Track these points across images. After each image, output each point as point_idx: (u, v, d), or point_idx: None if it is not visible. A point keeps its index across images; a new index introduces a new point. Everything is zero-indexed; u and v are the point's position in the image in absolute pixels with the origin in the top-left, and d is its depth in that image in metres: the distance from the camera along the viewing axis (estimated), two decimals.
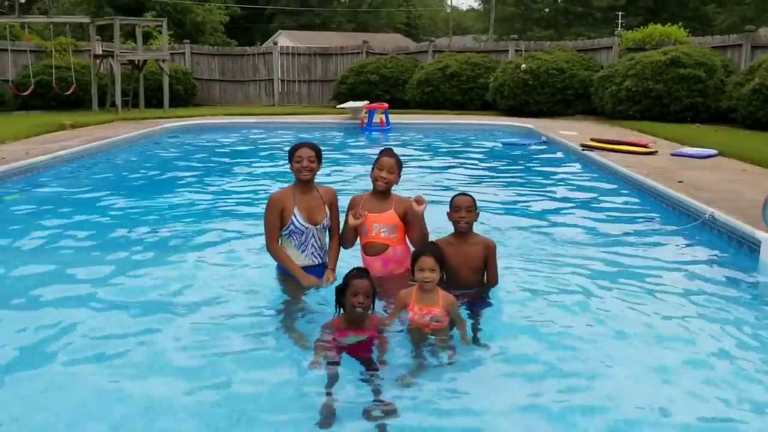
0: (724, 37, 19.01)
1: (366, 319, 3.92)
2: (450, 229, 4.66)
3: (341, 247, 4.92)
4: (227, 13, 44.43)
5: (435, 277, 4.05)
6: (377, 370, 3.69)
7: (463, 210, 4.53)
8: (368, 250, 4.77)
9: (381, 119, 17.01)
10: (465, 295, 4.53)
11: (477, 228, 4.72)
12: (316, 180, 4.91)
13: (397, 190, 4.92)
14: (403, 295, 4.15)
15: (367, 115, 17.10)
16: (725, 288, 5.16)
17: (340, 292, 3.91)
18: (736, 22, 36.72)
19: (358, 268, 4.00)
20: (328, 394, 3.44)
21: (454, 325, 4.09)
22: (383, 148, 4.93)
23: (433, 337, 3.99)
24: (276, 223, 4.76)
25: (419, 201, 4.58)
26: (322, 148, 4.94)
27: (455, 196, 4.67)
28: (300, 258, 4.81)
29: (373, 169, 4.75)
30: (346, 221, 4.76)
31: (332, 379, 3.56)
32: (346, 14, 63.92)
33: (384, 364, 3.74)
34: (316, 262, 4.86)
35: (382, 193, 4.75)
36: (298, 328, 4.29)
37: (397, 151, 4.95)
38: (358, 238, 4.84)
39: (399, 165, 4.77)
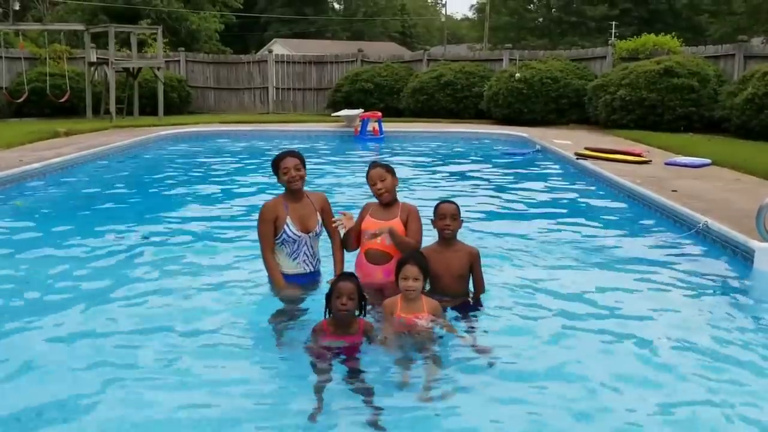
0: (717, 47, 19.15)
1: (353, 323, 3.93)
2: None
3: (345, 250, 4.91)
4: (222, 21, 44.40)
5: (418, 286, 4.07)
6: (361, 376, 3.70)
7: (448, 218, 4.55)
8: (370, 257, 4.75)
9: (374, 128, 17.04)
10: (452, 302, 4.52)
11: (468, 235, 4.72)
12: (306, 186, 4.92)
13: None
14: (388, 305, 4.17)
15: (360, 123, 17.13)
16: (719, 296, 5.17)
17: (328, 296, 3.94)
18: (729, 32, 36.91)
19: (345, 273, 4.03)
20: (318, 399, 3.46)
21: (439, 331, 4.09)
22: (370, 162, 4.93)
23: (418, 339, 4.00)
24: (269, 233, 4.76)
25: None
26: (316, 156, 4.95)
27: (440, 203, 4.68)
28: (291, 266, 4.81)
29: (370, 187, 4.78)
30: (350, 228, 4.76)
31: (321, 386, 3.58)
32: (341, 23, 64.07)
33: (359, 374, 3.74)
34: (308, 270, 4.87)
35: (388, 202, 4.77)
36: (289, 335, 4.29)
37: (391, 159, 4.95)
38: (361, 243, 4.82)
39: (389, 170, 4.79)
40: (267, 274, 4.89)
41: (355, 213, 4.98)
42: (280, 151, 4.93)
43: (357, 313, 3.94)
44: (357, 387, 3.61)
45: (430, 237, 4.81)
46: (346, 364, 3.80)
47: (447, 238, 4.59)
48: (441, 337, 4.07)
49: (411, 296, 4.07)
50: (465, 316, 4.47)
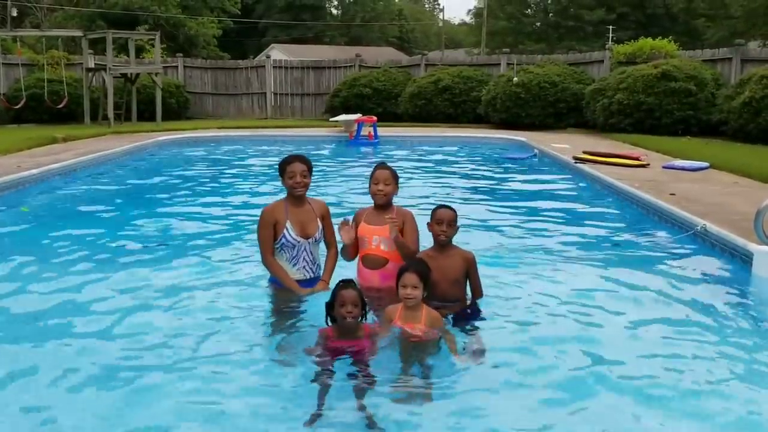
0: (714, 51, 19.20)
1: (358, 329, 3.93)
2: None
3: (344, 260, 4.90)
4: (220, 27, 44.48)
5: (417, 295, 4.05)
6: (371, 377, 3.70)
7: (444, 224, 4.52)
8: (367, 262, 4.75)
9: (369, 132, 17.05)
10: (450, 308, 4.52)
11: (466, 239, 4.71)
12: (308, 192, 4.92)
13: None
14: (389, 311, 4.16)
15: (356, 128, 17.15)
16: (717, 300, 5.16)
17: (330, 305, 3.94)
18: (726, 36, 36.99)
19: (344, 280, 4.02)
20: (320, 401, 3.47)
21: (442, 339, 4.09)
22: (377, 163, 4.92)
23: (417, 349, 3.99)
24: (269, 237, 4.75)
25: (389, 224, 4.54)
26: (313, 161, 4.94)
27: (438, 208, 4.64)
28: (291, 272, 4.81)
29: (370, 185, 4.75)
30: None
31: (324, 389, 3.59)
32: (338, 28, 64.12)
33: (369, 376, 3.73)
34: (308, 276, 4.86)
35: (382, 206, 4.75)
36: (288, 341, 4.28)
37: (387, 163, 4.95)
38: (359, 250, 4.81)
39: (394, 176, 4.77)
40: (270, 278, 4.89)
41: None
42: (289, 154, 4.91)
43: (360, 318, 3.94)
44: (361, 390, 3.60)
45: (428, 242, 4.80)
46: (354, 366, 3.79)
47: (441, 244, 4.59)
48: (437, 347, 4.05)
49: (410, 304, 4.06)
50: (463, 324, 4.46)
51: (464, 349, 4.14)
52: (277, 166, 4.91)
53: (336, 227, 4.83)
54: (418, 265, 4.17)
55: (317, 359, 3.87)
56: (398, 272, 4.15)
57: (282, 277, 4.77)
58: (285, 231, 4.72)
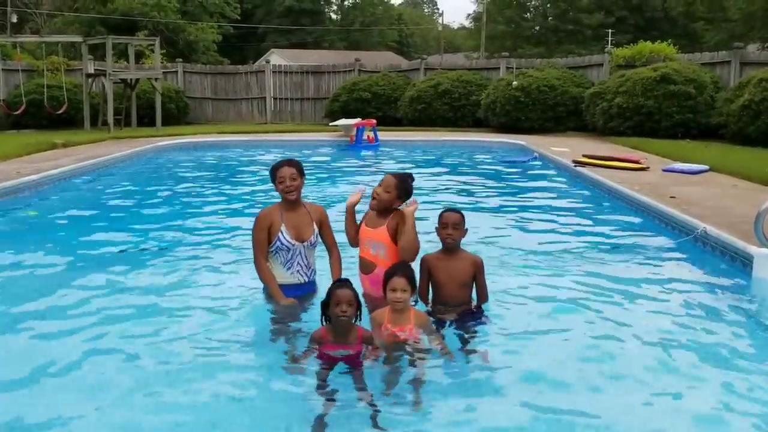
0: (713, 54, 19.20)
1: (352, 331, 3.92)
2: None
3: (350, 245, 4.93)
4: (220, 32, 44.55)
5: (406, 298, 4.04)
6: (363, 385, 3.70)
7: (450, 227, 4.53)
8: (360, 265, 4.79)
9: (369, 136, 17.06)
10: (455, 311, 4.51)
11: (466, 242, 4.72)
12: (303, 197, 4.93)
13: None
14: (376, 317, 4.15)
15: (356, 132, 17.16)
16: (718, 303, 5.16)
17: (325, 305, 3.93)
18: (725, 39, 37.04)
19: (339, 279, 4.02)
20: (320, 407, 3.47)
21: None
22: (400, 170, 4.93)
23: (408, 349, 3.98)
24: (264, 240, 4.75)
25: (411, 203, 4.55)
26: (312, 165, 4.95)
27: (444, 211, 4.66)
28: (286, 276, 4.81)
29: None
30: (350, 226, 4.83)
31: (321, 393, 3.60)
32: (338, 33, 64.22)
33: (361, 383, 3.73)
34: (302, 281, 4.86)
35: (381, 211, 4.73)
36: (284, 347, 4.28)
37: (387, 167, 4.95)
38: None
39: (398, 188, 4.64)
40: (262, 284, 4.89)
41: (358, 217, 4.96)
42: (278, 160, 4.94)
43: (354, 319, 3.93)
44: (358, 395, 3.60)
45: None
46: (348, 373, 3.78)
47: (449, 248, 4.58)
48: (429, 349, 4.04)
49: (398, 307, 4.04)
50: (466, 325, 4.45)
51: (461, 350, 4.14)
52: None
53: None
54: (405, 269, 4.14)
55: (314, 364, 3.86)
56: (385, 275, 4.13)
57: (268, 280, 4.77)
58: (279, 234, 4.72)
